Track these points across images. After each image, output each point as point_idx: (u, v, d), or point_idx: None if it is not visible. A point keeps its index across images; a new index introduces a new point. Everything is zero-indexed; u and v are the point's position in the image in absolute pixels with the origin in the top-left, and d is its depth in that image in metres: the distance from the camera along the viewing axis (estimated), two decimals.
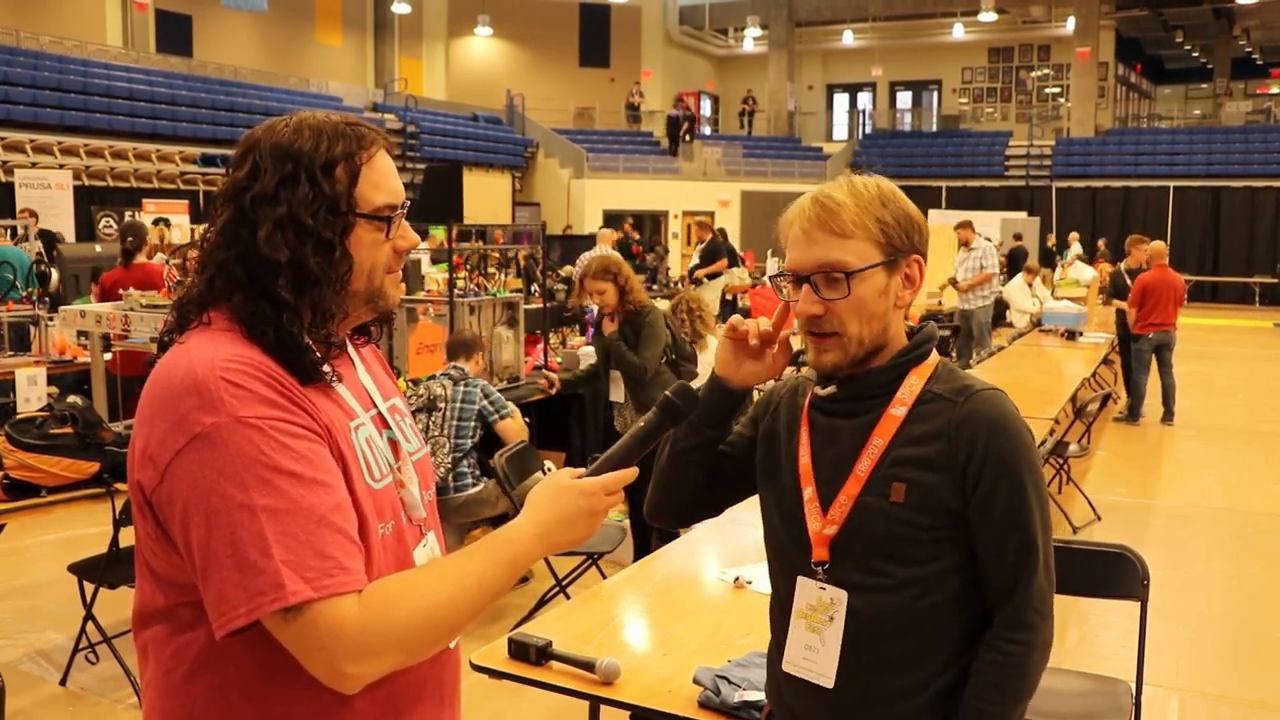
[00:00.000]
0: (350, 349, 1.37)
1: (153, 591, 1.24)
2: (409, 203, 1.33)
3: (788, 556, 1.58)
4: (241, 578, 1.10)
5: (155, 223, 11.32)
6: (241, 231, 1.23)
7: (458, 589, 1.20)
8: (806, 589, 1.54)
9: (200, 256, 1.27)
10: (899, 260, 1.50)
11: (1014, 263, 16.93)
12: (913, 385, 1.51)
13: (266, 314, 1.21)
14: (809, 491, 1.54)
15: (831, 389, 1.55)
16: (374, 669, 1.15)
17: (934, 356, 1.55)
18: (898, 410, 1.49)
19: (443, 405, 4.64)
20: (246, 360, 1.18)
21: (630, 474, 1.35)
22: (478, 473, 4.69)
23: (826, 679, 1.51)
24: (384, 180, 1.29)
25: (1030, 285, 11.88)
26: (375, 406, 1.35)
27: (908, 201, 1.53)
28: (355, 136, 1.27)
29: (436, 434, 4.63)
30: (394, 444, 1.35)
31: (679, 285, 14.35)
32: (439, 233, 10.78)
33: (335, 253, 1.24)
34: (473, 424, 4.68)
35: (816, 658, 1.52)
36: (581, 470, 1.35)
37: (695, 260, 13.43)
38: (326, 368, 1.26)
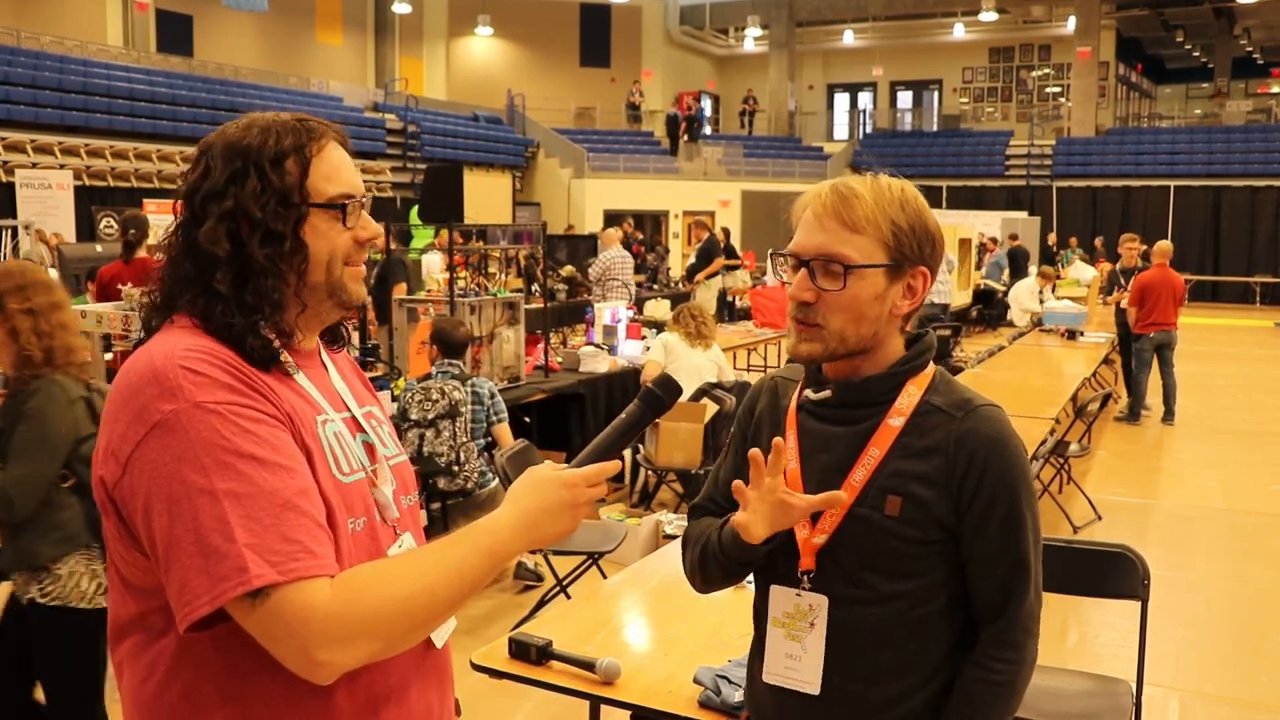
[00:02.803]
0: (324, 355, 1.38)
1: (124, 600, 1.23)
2: (372, 197, 1.34)
3: (771, 565, 1.54)
4: (205, 563, 1.08)
5: None
6: (191, 230, 1.25)
7: (435, 577, 1.18)
8: (781, 597, 1.52)
9: (164, 259, 1.29)
10: (904, 268, 1.45)
11: (1014, 263, 16.96)
12: (911, 395, 1.48)
13: (215, 309, 1.22)
14: None
15: (825, 394, 1.51)
16: (347, 657, 1.12)
17: (931, 366, 1.52)
18: (895, 421, 1.46)
19: (464, 409, 4.64)
20: (205, 349, 1.18)
21: (613, 466, 1.33)
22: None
23: (812, 686, 1.49)
24: (336, 172, 1.29)
25: (1041, 291, 11.88)
26: (349, 410, 1.35)
27: (929, 214, 1.49)
28: (305, 130, 1.28)
29: (465, 440, 4.64)
30: (369, 447, 1.34)
31: (679, 285, 14.35)
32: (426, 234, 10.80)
33: (285, 244, 1.24)
34: (484, 423, 4.73)
35: (799, 665, 1.50)
36: (564, 464, 1.34)
37: (693, 260, 13.40)
38: (285, 356, 1.26)
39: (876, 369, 1.49)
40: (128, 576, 1.21)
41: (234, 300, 1.22)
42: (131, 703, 1.24)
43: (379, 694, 1.26)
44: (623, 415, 1.40)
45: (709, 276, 13.23)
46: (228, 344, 1.21)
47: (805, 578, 1.49)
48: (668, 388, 1.42)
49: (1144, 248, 9.83)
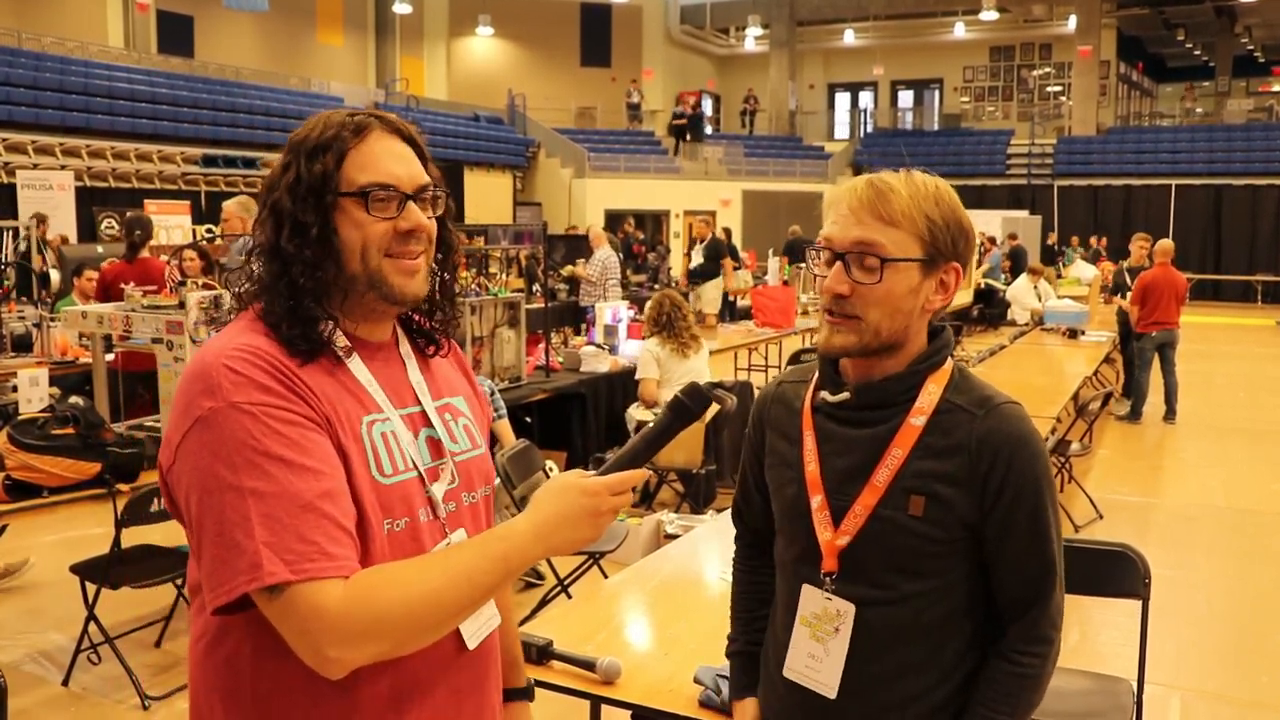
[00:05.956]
0: (406, 347, 1.40)
1: (194, 565, 1.27)
2: (431, 189, 1.34)
3: (794, 564, 1.55)
4: (225, 555, 1.15)
5: None
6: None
7: (443, 581, 1.19)
8: (812, 598, 1.52)
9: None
10: (938, 263, 1.45)
11: (1016, 262, 16.96)
12: (931, 393, 1.47)
13: (274, 304, 1.27)
14: (817, 500, 1.50)
15: (844, 395, 1.50)
16: (356, 655, 1.16)
17: (950, 362, 1.51)
18: (917, 420, 1.45)
19: None
20: (252, 349, 1.22)
21: (639, 475, 1.32)
22: None
23: (829, 689, 1.49)
24: (374, 161, 1.29)
25: (1035, 286, 11.91)
26: (419, 404, 1.36)
27: (962, 209, 1.48)
28: (351, 123, 1.30)
29: None
30: (433, 443, 1.35)
31: (678, 285, 14.35)
32: None
33: (311, 231, 1.27)
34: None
35: (820, 667, 1.50)
36: (591, 471, 1.33)
37: (700, 260, 13.32)
38: (340, 341, 1.29)
39: (898, 367, 1.48)
40: (192, 545, 1.27)
41: (271, 289, 1.27)
42: (191, 657, 1.32)
43: (405, 689, 1.28)
44: (650, 425, 1.39)
45: (709, 276, 13.21)
46: (276, 338, 1.26)
47: (828, 579, 1.49)
48: (696, 398, 1.40)
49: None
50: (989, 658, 1.48)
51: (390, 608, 1.16)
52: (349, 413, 1.26)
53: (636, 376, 6.16)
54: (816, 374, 1.57)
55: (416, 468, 1.31)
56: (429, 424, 1.36)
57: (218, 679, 1.27)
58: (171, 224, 14.29)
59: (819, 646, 1.50)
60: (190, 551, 1.29)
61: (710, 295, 12.99)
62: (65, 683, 3.85)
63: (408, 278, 1.31)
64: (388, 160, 1.31)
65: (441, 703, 1.32)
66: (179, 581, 4.00)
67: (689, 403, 1.39)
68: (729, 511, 1.80)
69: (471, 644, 1.36)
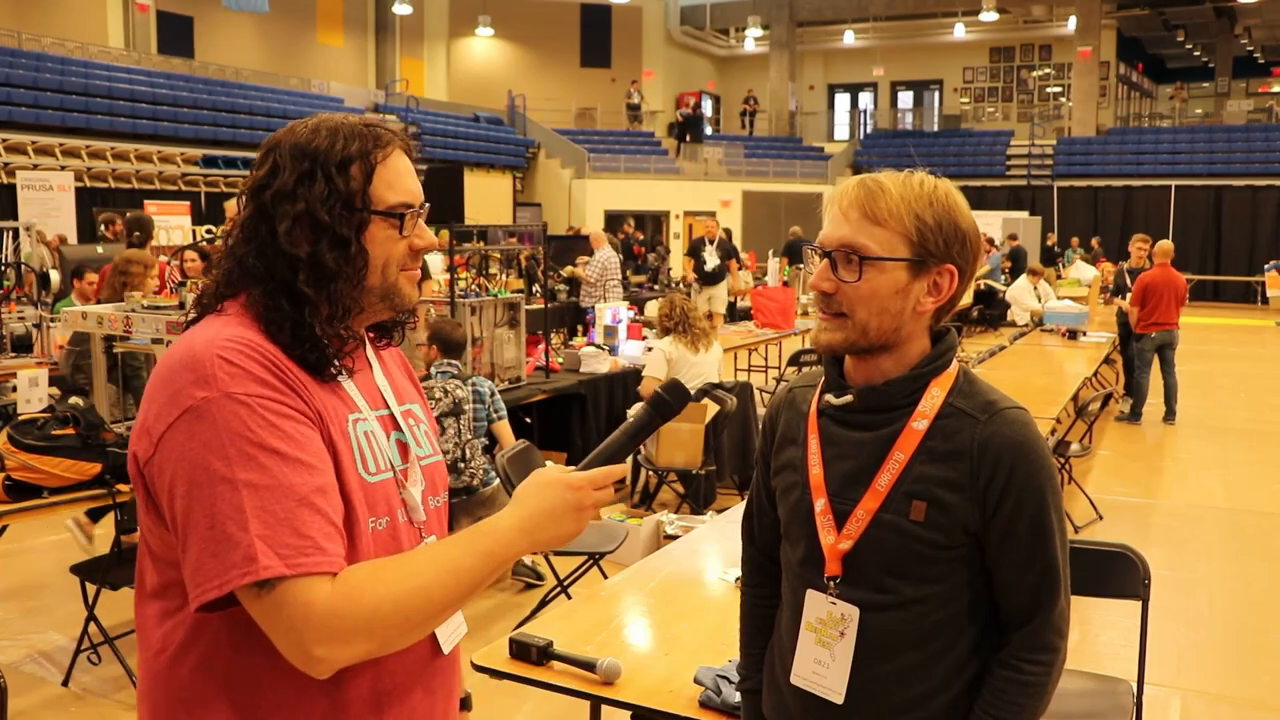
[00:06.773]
0: (370, 351, 1.40)
1: (149, 568, 1.25)
2: (427, 204, 1.35)
3: (798, 569, 1.55)
4: (217, 549, 1.12)
5: None
6: (261, 227, 1.26)
7: (430, 577, 1.19)
8: (816, 603, 1.51)
9: (224, 251, 1.30)
10: (928, 264, 1.44)
11: (1016, 263, 16.95)
12: (935, 397, 1.46)
13: (284, 309, 1.24)
14: (820, 504, 1.50)
15: (848, 398, 1.50)
16: (343, 653, 1.14)
17: (955, 365, 1.50)
18: (919, 424, 1.45)
19: (467, 407, 4.68)
20: (245, 341, 1.20)
21: (620, 470, 1.33)
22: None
23: (836, 694, 1.49)
24: (398, 180, 1.31)
25: (1035, 287, 11.91)
26: (387, 408, 1.36)
27: (963, 213, 1.47)
28: (371, 136, 1.30)
29: (470, 438, 4.66)
30: (402, 446, 1.35)
31: (680, 285, 14.33)
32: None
33: (350, 248, 1.26)
34: (485, 421, 4.76)
35: (826, 672, 1.50)
36: (572, 467, 1.34)
37: (716, 260, 13.20)
38: (338, 364, 1.28)
39: (900, 369, 1.48)
40: (154, 547, 1.24)
41: (313, 303, 1.25)
42: (146, 673, 1.27)
43: (384, 691, 1.27)
44: (630, 420, 1.40)
45: (714, 280, 13.16)
46: (281, 345, 1.23)
47: (831, 583, 1.49)
48: (676, 393, 1.41)
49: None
50: (992, 665, 1.47)
51: (379, 605, 1.15)
52: (336, 409, 1.26)
53: (643, 374, 6.16)
54: (824, 378, 1.57)
55: (393, 468, 1.32)
56: (398, 427, 1.36)
57: (186, 690, 1.22)
58: (171, 224, 14.27)
59: (825, 652, 1.50)
60: (142, 552, 1.26)
61: (721, 295, 13.01)
62: (65, 683, 3.85)
63: (414, 288, 1.34)
64: (408, 178, 1.32)
65: (418, 704, 1.32)
66: None
67: (669, 398, 1.40)
68: (729, 512, 1.81)
69: (446, 648, 1.37)
